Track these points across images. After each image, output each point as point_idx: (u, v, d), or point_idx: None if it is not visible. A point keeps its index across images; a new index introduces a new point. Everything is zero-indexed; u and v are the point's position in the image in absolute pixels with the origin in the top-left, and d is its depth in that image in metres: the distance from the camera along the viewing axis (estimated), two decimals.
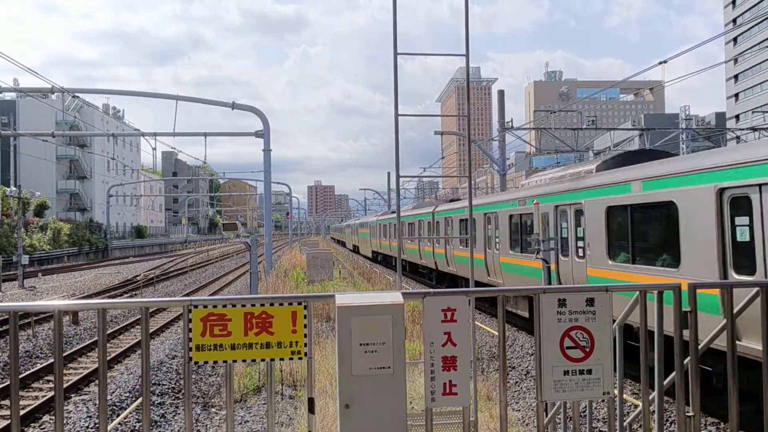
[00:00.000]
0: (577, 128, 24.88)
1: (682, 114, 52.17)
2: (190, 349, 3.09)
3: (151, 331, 15.72)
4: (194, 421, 9.32)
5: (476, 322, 9.00)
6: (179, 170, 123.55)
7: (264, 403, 9.61)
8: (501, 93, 27.10)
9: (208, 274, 36.89)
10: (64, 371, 12.17)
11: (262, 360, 3.15)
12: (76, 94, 23.69)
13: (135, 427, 8.76)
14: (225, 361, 3.13)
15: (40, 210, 56.34)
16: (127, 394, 10.19)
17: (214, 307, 3.13)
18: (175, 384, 11.10)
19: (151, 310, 16.58)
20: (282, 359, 3.16)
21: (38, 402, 9.83)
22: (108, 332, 15.71)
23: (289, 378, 10.38)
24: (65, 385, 10.62)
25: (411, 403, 6.82)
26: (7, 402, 10.13)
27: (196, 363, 3.11)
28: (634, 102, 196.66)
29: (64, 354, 13.28)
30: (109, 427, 7.80)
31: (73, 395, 10.55)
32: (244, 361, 3.15)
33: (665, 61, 15.34)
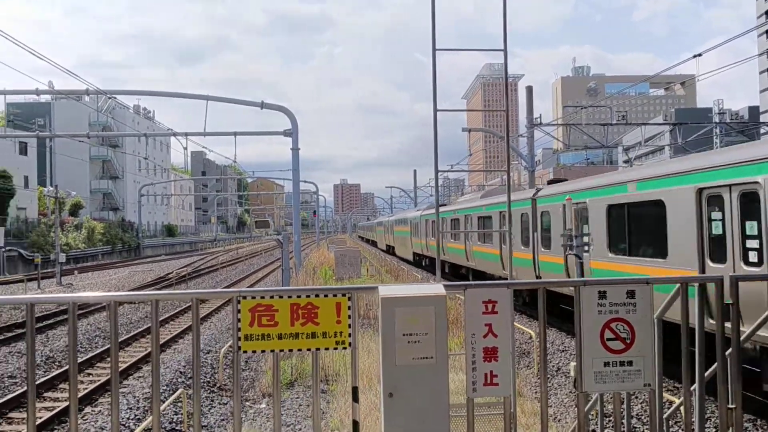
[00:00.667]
0: (607, 124, 24.56)
1: (715, 108, 50.99)
2: (239, 339, 3.19)
3: (182, 328, 16.05)
4: (230, 414, 9.52)
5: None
6: (208, 169, 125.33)
7: (296, 397, 9.77)
8: (529, 89, 26.89)
9: (238, 271, 37.42)
10: (104, 365, 12.55)
11: (308, 350, 3.25)
12: (113, 96, 24.22)
13: (173, 419, 8.97)
14: (272, 351, 3.23)
15: (75, 209, 57.76)
16: (164, 387, 10.44)
17: (262, 298, 3.23)
18: (210, 378, 11.33)
19: (184, 306, 16.81)
20: (327, 349, 3.25)
21: (83, 393, 10.13)
22: (145, 327, 16.13)
23: (322, 372, 10.53)
24: (104, 379, 10.94)
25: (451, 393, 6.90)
26: (63, 385, 10.49)
27: (244, 352, 3.22)
28: (664, 96, 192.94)
29: (106, 347, 13.68)
30: (148, 420, 8.02)
31: (97, 397, 10.82)
32: (290, 350, 3.24)
33: (700, 55, 15.04)
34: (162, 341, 14.93)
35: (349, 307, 3.25)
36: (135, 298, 3.43)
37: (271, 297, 3.24)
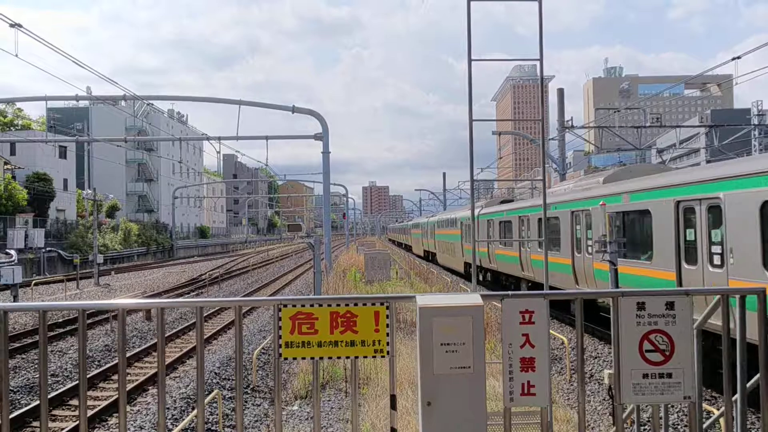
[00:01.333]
0: (641, 126, 24.17)
1: (754, 109, 49.62)
2: (280, 346, 3.28)
3: (219, 328, 16.34)
4: (263, 416, 9.67)
5: None
6: (239, 172, 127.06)
7: (328, 399, 9.87)
8: (561, 92, 26.63)
9: (270, 273, 37.85)
10: (141, 365, 12.86)
11: (347, 357, 3.31)
12: (150, 102, 24.79)
13: (208, 419, 9.15)
14: (312, 358, 3.31)
15: (112, 211, 59.20)
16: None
17: (302, 306, 3.31)
18: (244, 378, 11.51)
19: (218, 307, 17.05)
20: (365, 357, 3.31)
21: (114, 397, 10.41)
22: (180, 327, 16.47)
23: (352, 375, 10.61)
24: (143, 378, 11.22)
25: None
26: (103, 384, 10.78)
27: (285, 359, 3.30)
28: (700, 97, 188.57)
29: (139, 349, 13.99)
30: (186, 420, 8.21)
31: (151, 387, 11.09)
32: (330, 358, 3.31)
33: (739, 57, 14.65)
34: (195, 343, 15.22)
35: (387, 316, 3.31)
36: (181, 304, 3.54)
37: (311, 305, 3.31)
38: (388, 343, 3.30)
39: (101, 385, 11.31)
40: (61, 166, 55.08)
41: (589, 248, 13.25)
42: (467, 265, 27.09)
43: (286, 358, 3.30)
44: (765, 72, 16.23)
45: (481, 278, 24.08)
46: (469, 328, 3.18)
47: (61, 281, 29.23)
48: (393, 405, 3.35)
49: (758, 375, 3.52)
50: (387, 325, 3.30)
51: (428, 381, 3.18)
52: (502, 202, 24.38)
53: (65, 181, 55.84)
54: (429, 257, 40.82)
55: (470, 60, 5.27)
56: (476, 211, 24.02)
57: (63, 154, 55.93)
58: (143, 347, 14.15)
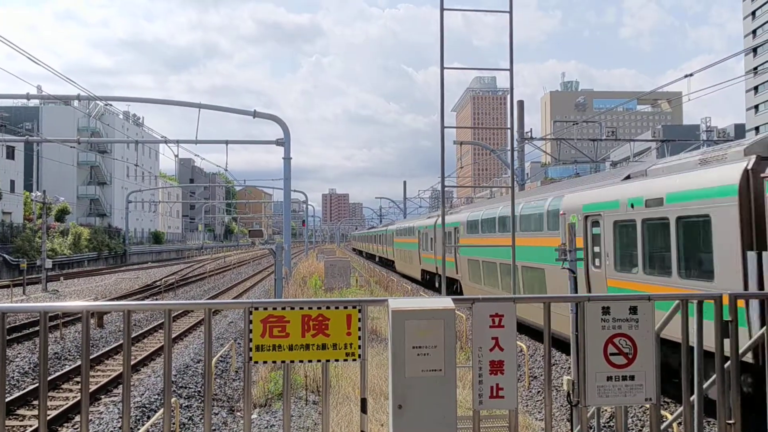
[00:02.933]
0: (597, 139, 24.87)
1: (703, 125, 51.80)
2: (251, 350, 3.23)
3: (173, 336, 15.96)
4: (221, 424, 9.48)
5: None
6: (196, 177, 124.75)
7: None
8: (521, 103, 27.20)
9: (227, 279, 37.23)
10: (93, 373, 12.44)
11: (318, 361, 3.29)
12: (108, 102, 24.14)
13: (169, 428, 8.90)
14: (283, 361, 3.27)
15: (61, 215, 57.20)
16: (156, 396, 10.38)
17: (274, 309, 3.28)
18: (201, 387, 11.28)
19: (176, 313, 16.72)
20: (337, 360, 3.30)
21: (69, 403, 10.04)
22: (134, 335, 16.01)
23: (312, 384, 10.52)
24: (95, 387, 10.86)
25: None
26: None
27: (255, 363, 3.26)
28: (652, 113, 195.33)
29: (93, 356, 13.54)
30: (142, 429, 7.97)
31: (103, 396, 10.75)
32: (301, 361, 3.29)
33: (691, 75, 15.33)
34: (152, 349, 14.82)
35: (359, 319, 3.31)
36: (148, 307, 3.45)
37: (283, 308, 3.29)
38: (359, 347, 3.30)
39: (50, 394, 10.89)
40: (7, 166, 53.03)
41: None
42: (423, 272, 27.39)
43: (256, 362, 3.26)
44: (714, 90, 17.02)
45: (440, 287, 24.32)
46: (440, 331, 3.21)
47: (7, 287, 28.05)
48: (363, 409, 3.34)
49: (714, 376, 3.67)
50: (359, 329, 3.30)
51: (399, 384, 3.19)
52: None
53: (12, 182, 53.75)
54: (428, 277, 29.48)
55: (442, 68, 5.34)
56: (434, 220, 25.15)
57: (11, 154, 53.87)
58: (95, 355, 13.70)
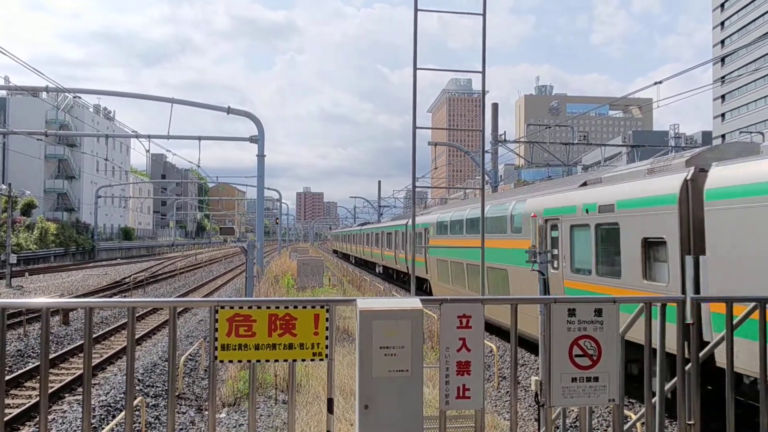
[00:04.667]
0: (570, 143, 25.21)
1: (671, 132, 53.00)
2: (216, 349, 3.19)
3: (141, 333, 15.72)
4: (189, 423, 9.36)
5: None
6: (168, 173, 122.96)
7: (257, 408, 9.67)
8: (495, 106, 27.41)
9: (198, 277, 36.76)
10: (57, 371, 12.18)
11: (285, 360, 3.27)
12: (78, 95, 23.62)
13: (132, 428, 8.75)
14: (249, 361, 3.24)
15: (28, 209, 55.83)
16: (122, 395, 10.19)
17: (240, 308, 3.24)
18: (167, 385, 11.11)
19: (145, 311, 16.49)
20: (304, 360, 3.28)
21: (32, 401, 9.80)
22: (101, 333, 15.71)
23: (282, 383, 10.45)
24: (59, 386, 10.63)
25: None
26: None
27: (221, 362, 3.22)
28: (623, 118, 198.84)
29: (56, 354, 13.24)
30: (106, 429, 7.82)
31: (67, 395, 10.52)
32: (267, 361, 3.26)
33: (660, 82, 15.72)
34: (120, 347, 14.56)
35: (327, 319, 3.29)
36: (111, 304, 3.38)
37: (249, 307, 3.25)
38: (327, 347, 3.28)
39: (13, 392, 10.61)
40: None
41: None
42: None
43: (222, 361, 3.22)
44: (683, 98, 17.44)
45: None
46: (408, 331, 3.21)
47: None
48: (330, 409, 3.32)
49: (675, 378, 3.74)
50: (327, 329, 3.29)
51: (366, 384, 3.18)
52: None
53: None
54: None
55: (415, 68, 5.35)
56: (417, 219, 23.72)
57: None
58: (59, 353, 13.39)
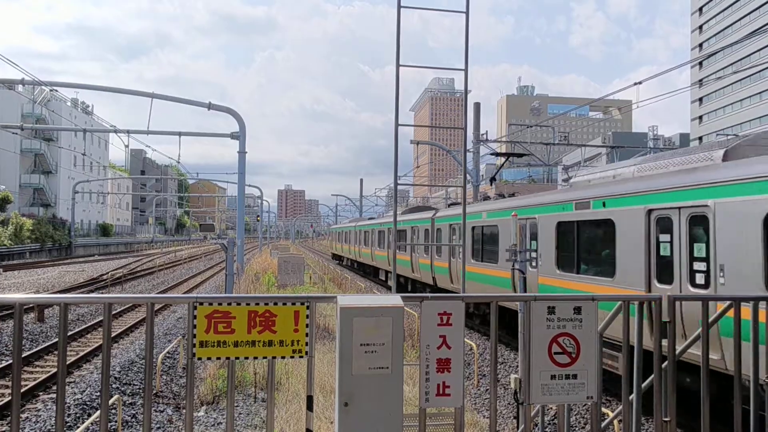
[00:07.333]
0: (551, 143, 25.42)
1: (650, 134, 53.74)
2: (194, 345, 3.15)
3: (119, 331, 15.50)
4: (167, 422, 9.26)
5: None
6: (148, 169, 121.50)
7: (237, 405, 9.59)
8: (477, 105, 27.52)
9: (177, 274, 36.38)
10: (32, 369, 11.96)
11: (264, 357, 3.24)
12: (54, 89, 23.23)
13: (108, 427, 8.64)
14: (228, 358, 3.21)
15: (2, 204, 54.76)
16: (98, 394, 10.04)
17: (219, 304, 3.20)
18: (146, 383, 10.97)
19: (123, 308, 16.23)
20: (283, 357, 3.25)
21: (3, 401, 9.62)
22: (77, 330, 15.46)
23: (262, 381, 10.38)
24: (33, 384, 10.44)
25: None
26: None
27: (199, 359, 3.18)
28: (603, 119, 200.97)
29: (30, 352, 13.00)
30: (81, 427, 7.70)
31: (41, 393, 10.34)
32: (246, 358, 3.23)
33: (640, 83, 15.94)
34: (96, 344, 14.34)
35: (307, 316, 3.27)
36: (87, 301, 3.32)
37: (229, 304, 3.22)
38: (307, 344, 3.26)
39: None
40: None
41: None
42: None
43: (200, 358, 3.18)
44: (661, 99, 17.74)
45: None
46: (389, 329, 3.20)
47: None
48: (309, 406, 3.30)
49: (652, 376, 3.78)
50: (307, 326, 3.26)
51: (346, 381, 3.17)
52: (413, 210, 24.80)
53: None
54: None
55: (398, 65, 5.34)
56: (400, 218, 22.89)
57: None
58: (33, 350, 13.15)
